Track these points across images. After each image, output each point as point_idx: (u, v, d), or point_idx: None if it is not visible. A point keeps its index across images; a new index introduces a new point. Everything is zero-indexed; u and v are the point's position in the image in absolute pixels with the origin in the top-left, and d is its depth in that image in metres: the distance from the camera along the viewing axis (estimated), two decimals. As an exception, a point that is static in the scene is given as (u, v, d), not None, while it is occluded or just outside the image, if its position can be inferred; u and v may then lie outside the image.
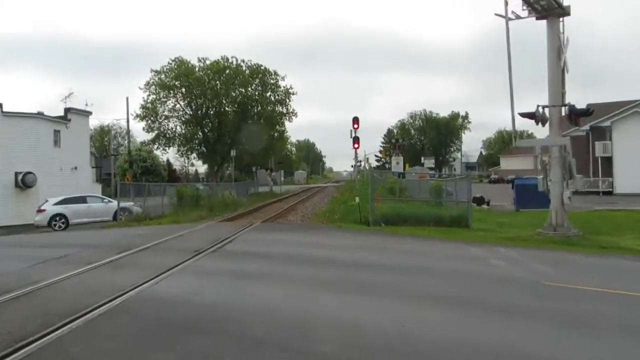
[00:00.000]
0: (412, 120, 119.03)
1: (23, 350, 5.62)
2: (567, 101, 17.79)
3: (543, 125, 18.09)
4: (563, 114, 17.94)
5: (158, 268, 10.47)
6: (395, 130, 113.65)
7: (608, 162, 43.93)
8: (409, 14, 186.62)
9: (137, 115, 56.12)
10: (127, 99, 69.73)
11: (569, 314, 7.40)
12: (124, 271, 10.80)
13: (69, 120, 35.76)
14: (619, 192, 41.93)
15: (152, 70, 58.12)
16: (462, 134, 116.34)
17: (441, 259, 12.64)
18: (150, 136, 58.52)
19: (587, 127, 44.63)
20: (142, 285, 8.94)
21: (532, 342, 6.00)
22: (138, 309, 7.58)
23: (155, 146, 59.66)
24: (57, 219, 26.80)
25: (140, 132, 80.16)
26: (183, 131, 59.36)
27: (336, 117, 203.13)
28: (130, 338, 6.20)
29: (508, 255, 12.95)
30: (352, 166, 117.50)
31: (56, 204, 27.33)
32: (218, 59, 57.96)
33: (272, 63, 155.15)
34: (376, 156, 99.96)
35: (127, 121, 50.76)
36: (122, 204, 28.58)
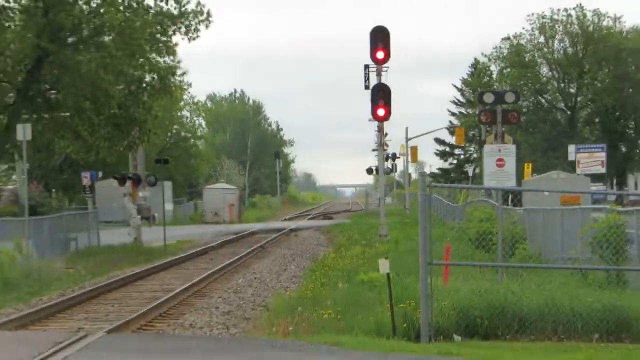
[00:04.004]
0: (543, 39, 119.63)
1: None
2: None
3: None
4: None
5: None
6: (492, 67, 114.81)
7: None
8: None
9: None
10: None
11: None
12: None
13: None
14: None
15: None
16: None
17: None
18: None
19: None
20: None
21: None
22: None
23: None
24: None
25: None
26: None
27: (324, 29, 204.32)
28: None
29: None
30: (369, 170, 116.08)
31: None
32: None
33: None
34: (439, 142, 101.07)
35: None
36: None
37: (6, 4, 56.81)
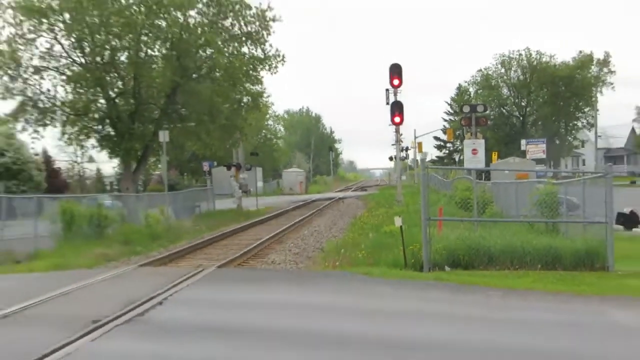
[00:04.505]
0: (503, 70, 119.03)
1: None
2: None
3: None
4: None
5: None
6: (470, 89, 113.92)
7: None
8: None
9: None
10: None
11: None
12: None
13: None
14: None
15: None
16: (598, 94, 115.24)
17: (561, 337, 12.07)
18: (10, 106, 56.98)
19: None
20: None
21: None
22: None
23: (20, 126, 57.68)
24: None
25: None
26: (70, 95, 57.12)
27: (359, 66, 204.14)
28: None
29: None
30: (390, 158, 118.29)
31: None
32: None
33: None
34: (436, 139, 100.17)
35: None
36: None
37: (152, 53, 56.71)
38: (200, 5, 56.76)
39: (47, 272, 22.31)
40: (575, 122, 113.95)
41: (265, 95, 68.11)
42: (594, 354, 10.75)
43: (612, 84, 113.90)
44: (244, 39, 59.11)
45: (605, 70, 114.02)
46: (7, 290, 17.70)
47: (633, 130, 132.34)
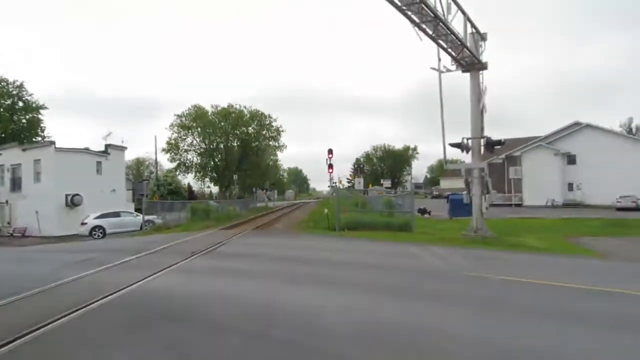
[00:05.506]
0: (374, 151, 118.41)
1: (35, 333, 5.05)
2: (485, 134, 17.69)
3: (467, 152, 17.94)
4: (482, 144, 17.80)
5: (157, 267, 9.88)
6: (361, 159, 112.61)
7: (519, 182, 44.17)
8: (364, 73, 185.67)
9: (163, 149, 57.09)
10: (155, 137, 72.64)
11: (482, 297, 7.16)
12: (129, 270, 10.13)
13: (109, 153, 34.90)
14: (527, 204, 42.26)
15: (175, 115, 58.86)
16: (412, 162, 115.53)
17: (389, 257, 12.13)
18: (173, 165, 58.43)
19: (503, 156, 45.25)
20: (140, 282, 8.36)
21: (450, 320, 5.75)
22: (132, 300, 7.01)
23: (178, 173, 59.18)
24: (96, 229, 25.92)
25: (166, 162, 77.96)
26: (199, 161, 59.04)
27: (318, 149, 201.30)
28: (120, 325, 5.66)
29: (439, 252, 12.52)
30: (328, 186, 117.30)
31: (96, 217, 26.47)
32: (225, 106, 58.21)
33: (267, 108, 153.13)
34: (347, 179, 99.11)
35: (155, 154, 51.00)
36: (147, 217, 27.70)
37: (233, 144, 57.98)
38: (253, 125, 58.27)
39: (180, 233, 21.71)
40: (403, 172, 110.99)
41: (278, 161, 68.36)
42: (401, 265, 10.81)
43: (417, 157, 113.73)
44: (269, 138, 59.84)
45: (415, 152, 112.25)
46: (160, 240, 17.32)
47: (426, 176, 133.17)
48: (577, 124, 44.50)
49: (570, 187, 42.90)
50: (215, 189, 77.53)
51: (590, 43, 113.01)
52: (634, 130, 67.73)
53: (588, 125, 43.52)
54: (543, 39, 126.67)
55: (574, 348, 4.87)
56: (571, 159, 43.11)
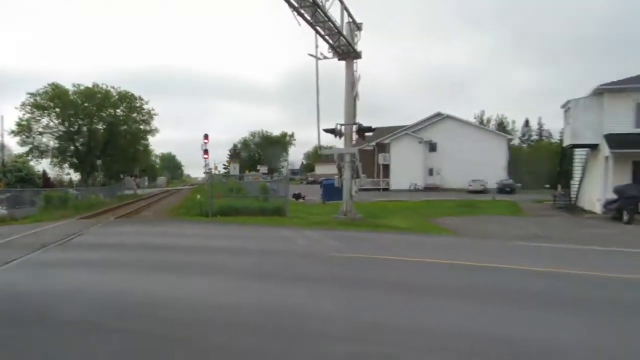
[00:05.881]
0: (252, 137, 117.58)
1: None
2: (358, 121, 18.46)
3: (340, 138, 18.63)
4: (354, 130, 18.53)
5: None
6: (239, 145, 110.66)
7: (387, 168, 47.35)
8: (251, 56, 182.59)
9: (12, 131, 50.25)
10: (1, 117, 62.19)
11: (347, 276, 7.45)
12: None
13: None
14: (393, 188, 45.52)
15: (27, 93, 52.58)
16: (289, 148, 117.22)
17: (261, 241, 12.10)
18: (25, 149, 51.69)
19: (374, 143, 47.77)
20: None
21: (314, 299, 5.90)
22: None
23: (30, 158, 52.43)
24: None
25: (16, 147, 68.05)
26: (56, 145, 53.05)
27: (193, 134, 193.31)
28: None
29: (310, 235, 12.82)
30: (204, 172, 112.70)
31: None
32: (90, 86, 53.00)
33: (138, 90, 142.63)
34: (223, 165, 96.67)
35: (2, 136, 45.05)
36: (-13, 208, 24.19)
37: (97, 127, 53.14)
38: (122, 107, 54.51)
39: (30, 224, 19.10)
40: (280, 158, 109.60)
41: (149, 146, 64.31)
42: (273, 248, 10.79)
43: (294, 144, 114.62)
44: (140, 121, 55.92)
45: (292, 138, 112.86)
46: (3, 233, 15.26)
47: (302, 162, 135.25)
48: (439, 114, 48.87)
49: (430, 172, 47.11)
50: (76, 176, 70.57)
51: (457, 39, 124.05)
52: (484, 121, 76.18)
53: (448, 117, 48.05)
54: (415, 34, 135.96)
55: (431, 319, 5.25)
56: (432, 147, 47.29)
